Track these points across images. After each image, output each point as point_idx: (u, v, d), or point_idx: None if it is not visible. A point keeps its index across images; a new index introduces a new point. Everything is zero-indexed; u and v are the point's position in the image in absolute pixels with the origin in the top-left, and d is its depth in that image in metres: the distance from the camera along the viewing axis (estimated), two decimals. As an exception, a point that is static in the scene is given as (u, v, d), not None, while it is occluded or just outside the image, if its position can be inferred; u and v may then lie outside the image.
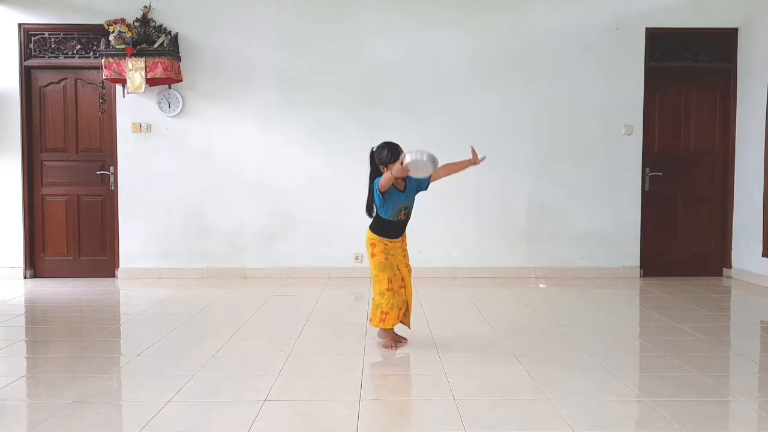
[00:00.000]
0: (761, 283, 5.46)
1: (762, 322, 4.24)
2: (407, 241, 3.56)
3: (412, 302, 3.59)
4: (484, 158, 3.38)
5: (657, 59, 5.91)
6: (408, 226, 3.50)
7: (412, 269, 3.57)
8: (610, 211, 5.90)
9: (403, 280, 3.44)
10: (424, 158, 3.03)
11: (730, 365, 3.24)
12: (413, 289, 3.64)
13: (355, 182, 5.61)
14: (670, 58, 5.94)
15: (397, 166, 3.11)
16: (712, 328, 3.93)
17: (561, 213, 5.90)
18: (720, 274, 6.04)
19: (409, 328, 3.58)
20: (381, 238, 3.39)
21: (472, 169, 5.86)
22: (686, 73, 5.97)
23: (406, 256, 3.52)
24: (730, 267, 5.97)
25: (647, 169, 5.94)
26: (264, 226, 5.89)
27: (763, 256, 5.41)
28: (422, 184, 3.40)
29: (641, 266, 5.95)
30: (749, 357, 3.34)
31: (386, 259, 3.38)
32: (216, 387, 2.82)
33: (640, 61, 5.85)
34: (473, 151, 3.36)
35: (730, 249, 5.97)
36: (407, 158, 3.05)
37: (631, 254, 5.93)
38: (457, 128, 5.83)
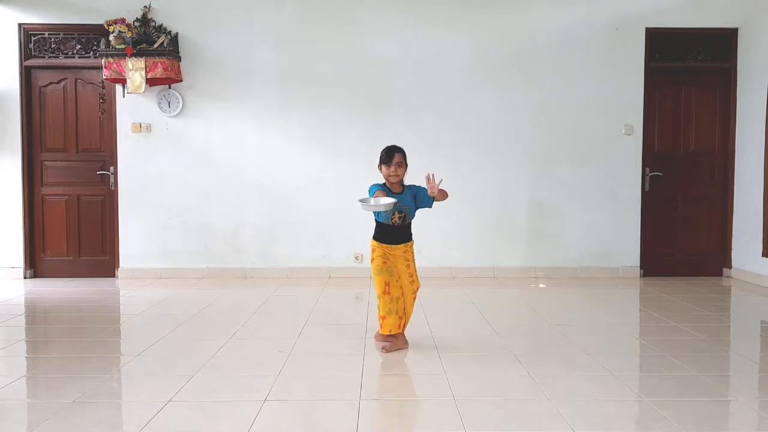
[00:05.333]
0: (761, 283, 5.46)
1: (762, 322, 4.24)
2: (413, 252, 3.48)
3: (410, 314, 3.50)
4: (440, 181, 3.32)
5: (657, 59, 5.91)
6: (408, 227, 3.48)
7: None
8: (610, 211, 5.90)
9: (402, 289, 3.40)
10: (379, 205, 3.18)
11: (730, 365, 3.24)
12: (414, 303, 3.51)
13: (355, 182, 5.61)
14: (670, 58, 5.94)
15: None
16: (712, 328, 3.93)
17: (561, 213, 5.90)
18: (720, 274, 6.03)
19: (401, 332, 3.46)
20: (380, 244, 3.39)
21: (472, 168, 5.93)
22: (686, 73, 5.97)
23: (409, 266, 3.44)
24: (730, 267, 5.97)
25: (647, 169, 5.94)
26: (264, 226, 5.89)
27: (763, 256, 5.41)
28: (424, 200, 3.38)
29: (641, 266, 5.95)
30: (749, 357, 3.34)
31: (384, 263, 3.36)
32: (216, 387, 2.82)
33: (640, 61, 5.85)
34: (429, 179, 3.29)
35: (730, 249, 5.97)
36: (380, 201, 3.18)
37: (631, 254, 5.93)
38: (457, 128, 5.84)
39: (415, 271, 3.49)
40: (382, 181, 3.41)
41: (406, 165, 3.37)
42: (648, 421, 2.44)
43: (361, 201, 3.17)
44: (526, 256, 5.92)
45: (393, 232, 3.38)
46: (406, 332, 3.50)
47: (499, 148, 5.87)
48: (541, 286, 5.51)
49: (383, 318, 3.37)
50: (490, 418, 2.46)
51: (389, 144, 3.41)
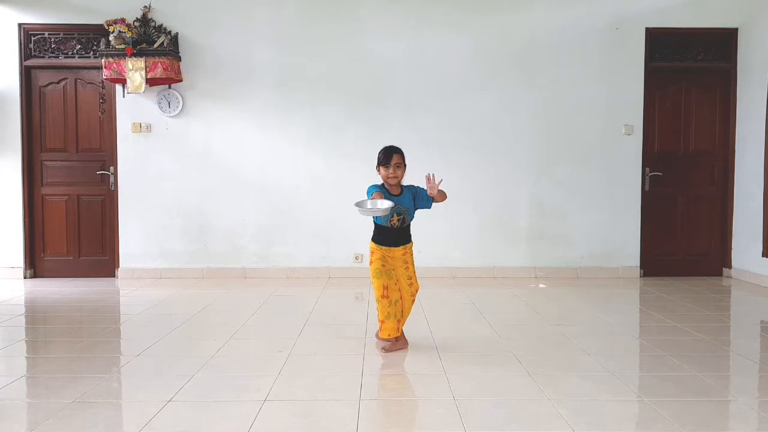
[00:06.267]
0: (761, 283, 5.46)
1: (762, 322, 4.24)
2: (413, 253, 3.45)
3: (408, 314, 3.46)
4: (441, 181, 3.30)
5: (657, 59, 5.91)
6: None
7: None
8: (610, 211, 5.90)
9: (401, 291, 3.37)
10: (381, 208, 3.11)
11: (730, 365, 3.24)
12: (412, 306, 3.48)
13: (355, 182, 5.61)
14: (670, 58, 5.94)
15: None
16: (712, 328, 3.93)
17: (561, 213, 5.90)
18: (720, 274, 6.04)
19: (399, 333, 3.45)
20: (378, 246, 3.36)
21: (472, 169, 5.93)
22: (686, 73, 5.97)
23: (408, 268, 3.40)
24: (730, 267, 5.97)
25: (647, 169, 5.94)
26: (264, 226, 5.89)
27: (763, 256, 5.41)
28: (423, 201, 3.35)
29: (641, 266, 5.95)
30: (749, 357, 3.34)
31: (382, 265, 3.33)
32: (216, 387, 2.82)
33: (640, 61, 5.85)
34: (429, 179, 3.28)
35: (730, 249, 5.97)
36: (376, 205, 3.12)
37: (631, 254, 5.93)
38: (457, 128, 5.84)
39: (414, 273, 3.46)
40: (380, 181, 3.38)
41: (405, 166, 3.33)
42: (648, 421, 2.44)
43: (357, 205, 3.08)
44: (527, 256, 5.92)
45: (392, 234, 3.34)
46: (406, 333, 3.49)
47: (499, 148, 5.87)
48: (541, 286, 5.51)
49: (382, 322, 3.37)
50: (490, 418, 2.46)
51: (388, 144, 3.38)
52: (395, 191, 3.32)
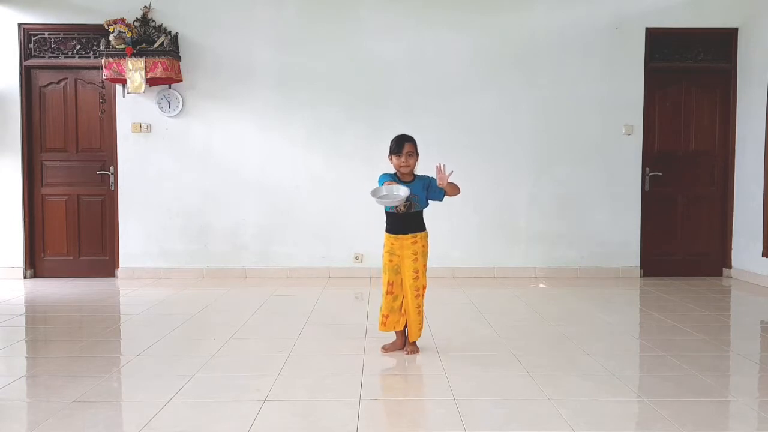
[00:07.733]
0: (761, 283, 5.46)
1: (762, 322, 4.24)
2: (426, 246, 3.34)
3: (414, 318, 3.31)
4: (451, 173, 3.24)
5: (657, 59, 5.91)
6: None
7: None
8: (610, 210, 5.90)
9: (404, 285, 3.31)
10: (396, 194, 3.11)
11: (730, 365, 3.24)
12: (417, 307, 3.30)
13: (355, 182, 5.62)
14: (670, 58, 5.94)
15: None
16: (712, 328, 3.93)
17: (561, 213, 5.90)
18: (720, 274, 6.03)
19: (410, 341, 3.40)
20: (388, 235, 3.33)
21: (472, 169, 5.92)
22: (686, 73, 5.97)
23: (417, 260, 3.28)
24: (730, 267, 5.97)
25: (647, 169, 5.94)
26: (264, 226, 5.89)
27: (763, 256, 5.42)
28: (435, 192, 3.28)
29: (641, 266, 5.95)
30: (749, 357, 3.34)
31: (390, 260, 3.31)
32: (216, 387, 2.82)
33: (640, 61, 5.85)
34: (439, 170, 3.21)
35: (730, 249, 5.97)
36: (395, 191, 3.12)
37: (631, 254, 5.93)
38: (457, 128, 5.84)
39: (423, 268, 3.33)
40: (392, 170, 3.30)
41: (417, 155, 3.27)
42: (648, 421, 2.44)
43: (373, 194, 3.08)
44: (527, 256, 5.92)
45: (400, 220, 3.28)
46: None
47: (499, 148, 5.87)
48: (541, 286, 5.51)
49: (386, 317, 3.34)
50: (490, 418, 2.46)
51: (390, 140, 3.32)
52: (407, 179, 3.27)
